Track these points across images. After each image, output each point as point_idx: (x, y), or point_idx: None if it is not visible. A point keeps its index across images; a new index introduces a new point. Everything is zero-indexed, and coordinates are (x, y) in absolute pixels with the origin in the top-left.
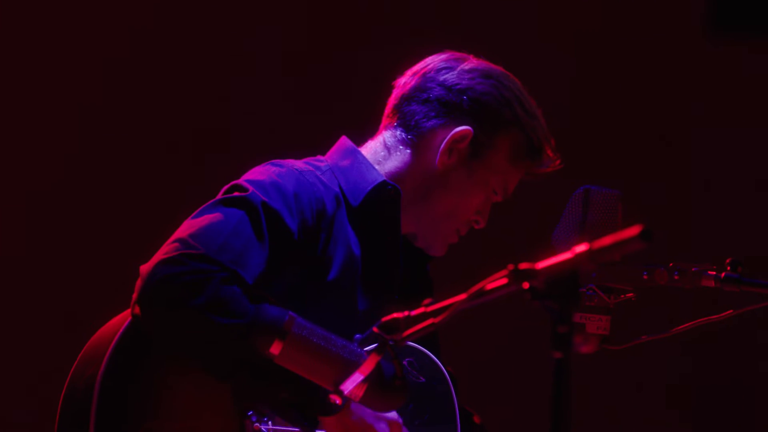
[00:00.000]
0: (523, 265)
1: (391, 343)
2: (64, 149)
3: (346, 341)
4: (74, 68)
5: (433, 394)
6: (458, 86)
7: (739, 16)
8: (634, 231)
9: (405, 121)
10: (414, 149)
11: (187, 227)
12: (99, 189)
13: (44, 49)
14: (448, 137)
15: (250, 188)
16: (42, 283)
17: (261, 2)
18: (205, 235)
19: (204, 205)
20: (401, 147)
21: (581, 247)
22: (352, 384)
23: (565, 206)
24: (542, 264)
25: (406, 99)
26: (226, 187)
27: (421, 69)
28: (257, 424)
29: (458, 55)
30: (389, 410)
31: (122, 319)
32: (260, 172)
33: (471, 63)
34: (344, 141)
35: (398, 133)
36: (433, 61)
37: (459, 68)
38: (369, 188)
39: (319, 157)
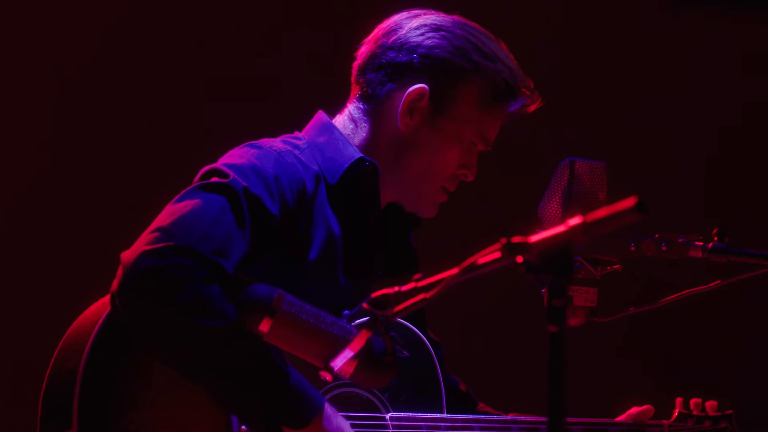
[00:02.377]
0: (516, 239)
1: (381, 318)
2: (40, 135)
3: (335, 318)
4: (60, 56)
5: (417, 368)
6: (407, 45)
7: None
8: (629, 203)
9: (363, 91)
10: (376, 118)
11: (168, 214)
12: (74, 174)
13: (37, 40)
14: (403, 98)
15: (231, 174)
16: (16, 270)
17: None
18: (186, 223)
19: (184, 191)
20: (365, 118)
21: (575, 220)
22: (342, 360)
23: (551, 178)
24: (536, 237)
25: (361, 69)
26: (203, 171)
27: (373, 36)
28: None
29: (411, 13)
30: (379, 386)
31: (101, 307)
32: (239, 155)
33: (420, 19)
34: (320, 116)
35: (360, 105)
36: (384, 25)
37: (407, 27)
38: (346, 165)
39: (297, 134)
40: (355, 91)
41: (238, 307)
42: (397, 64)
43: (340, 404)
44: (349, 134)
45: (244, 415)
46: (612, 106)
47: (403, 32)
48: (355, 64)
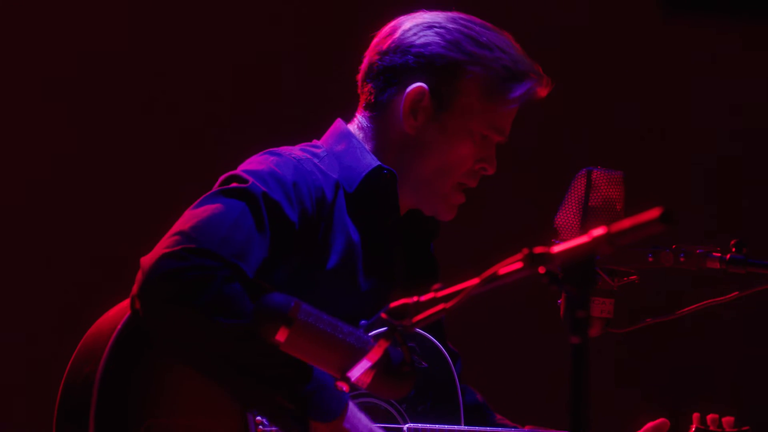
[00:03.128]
0: (538, 249)
1: (399, 328)
2: (64, 139)
3: (352, 327)
4: (72, 60)
5: (435, 379)
6: (401, 47)
7: None
8: (654, 213)
9: (368, 100)
10: (383, 124)
11: (188, 219)
12: (95, 179)
13: (43, 42)
14: (404, 100)
15: (250, 179)
16: (36, 273)
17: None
18: (206, 227)
19: (204, 196)
20: (371, 126)
21: (599, 231)
22: (359, 371)
23: (568, 188)
24: (558, 248)
25: (363, 79)
26: (223, 177)
27: (371, 44)
28: (262, 427)
29: (406, 16)
30: (397, 397)
31: (120, 312)
32: (258, 162)
33: (414, 20)
34: (339, 124)
35: (366, 113)
36: (380, 32)
37: (401, 30)
38: (364, 173)
39: (315, 142)
40: (361, 101)
41: (254, 317)
42: (393, 68)
43: None
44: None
45: (271, 411)
46: (623, 114)
47: (397, 35)
48: (359, 76)
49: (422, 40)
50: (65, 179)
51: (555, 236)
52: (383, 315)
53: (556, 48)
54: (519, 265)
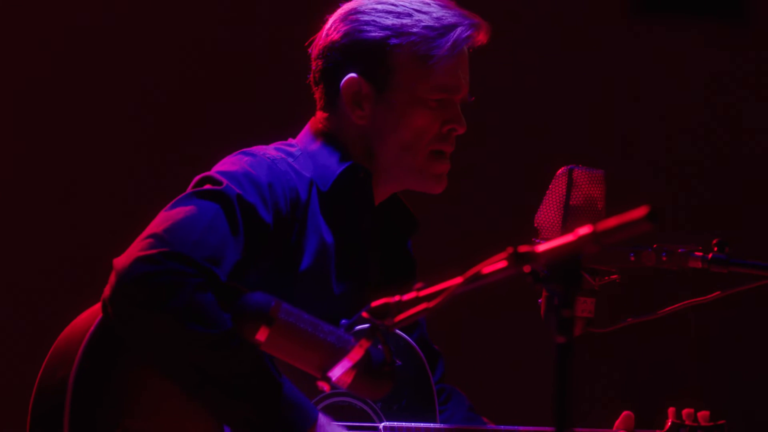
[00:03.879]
0: (523, 248)
1: (381, 328)
2: (37, 137)
3: (333, 327)
4: (47, 59)
5: (409, 377)
6: (326, 49)
7: None
8: (640, 212)
9: (319, 104)
10: (338, 125)
11: (161, 221)
12: (66, 180)
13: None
14: (343, 96)
15: (224, 181)
16: (8, 276)
17: None
18: (180, 230)
19: (178, 198)
20: (330, 127)
21: (584, 230)
22: (340, 371)
23: (548, 186)
24: (543, 247)
25: (313, 86)
26: (197, 179)
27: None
28: None
29: (330, 16)
30: (377, 397)
31: (93, 315)
32: (232, 163)
33: (332, 17)
34: (313, 123)
35: (323, 117)
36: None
37: (324, 32)
38: (338, 172)
39: (291, 141)
40: (317, 105)
41: (234, 316)
42: (326, 70)
43: (334, 414)
44: None
45: (235, 425)
46: (600, 114)
47: (321, 38)
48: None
49: (340, 34)
50: (37, 180)
51: (535, 235)
52: (365, 314)
53: (536, 45)
54: (503, 264)
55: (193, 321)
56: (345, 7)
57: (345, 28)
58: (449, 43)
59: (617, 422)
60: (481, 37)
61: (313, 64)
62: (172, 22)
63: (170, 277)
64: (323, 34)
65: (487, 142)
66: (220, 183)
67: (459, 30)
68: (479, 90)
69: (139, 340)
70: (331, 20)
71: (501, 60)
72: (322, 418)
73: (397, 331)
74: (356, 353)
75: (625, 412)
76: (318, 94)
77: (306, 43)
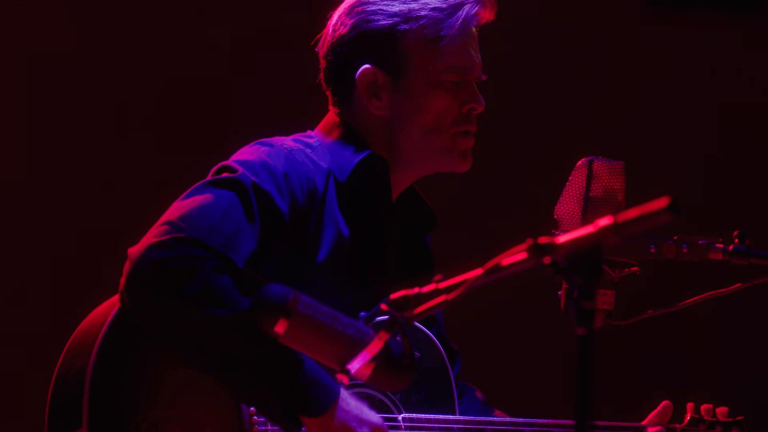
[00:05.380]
0: (543, 239)
1: (400, 320)
2: (53, 132)
3: (351, 319)
4: (63, 53)
5: (428, 370)
6: (335, 46)
7: None
8: (662, 203)
9: (333, 100)
10: (353, 117)
11: (176, 209)
12: (84, 173)
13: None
14: (358, 89)
15: (240, 169)
16: (25, 269)
17: None
18: (195, 217)
19: (193, 186)
20: (346, 120)
21: (605, 221)
22: (359, 363)
23: (568, 179)
24: (563, 238)
25: (324, 84)
26: (215, 168)
27: (319, 51)
28: (256, 417)
29: (335, 12)
30: (396, 389)
31: (111, 306)
32: (249, 152)
33: (337, 13)
34: (331, 115)
35: (338, 112)
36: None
37: (331, 29)
38: (355, 162)
39: (309, 132)
40: (330, 102)
41: (252, 308)
42: (337, 66)
43: None
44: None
45: (259, 404)
46: (622, 106)
47: (329, 36)
48: (319, 80)
49: (347, 28)
50: (55, 174)
51: (555, 227)
52: (383, 306)
53: (554, 39)
54: (523, 255)
55: (210, 304)
56: (348, 1)
57: (352, 21)
58: (459, 22)
59: (653, 413)
60: (488, 14)
61: (323, 62)
62: (193, 17)
63: (185, 262)
64: (330, 31)
65: (506, 133)
66: (235, 171)
67: (466, 8)
68: (499, 81)
69: (155, 326)
70: (336, 16)
71: (523, 52)
72: (344, 394)
73: (417, 324)
74: (375, 345)
75: (664, 402)
76: (330, 91)
77: (312, 43)
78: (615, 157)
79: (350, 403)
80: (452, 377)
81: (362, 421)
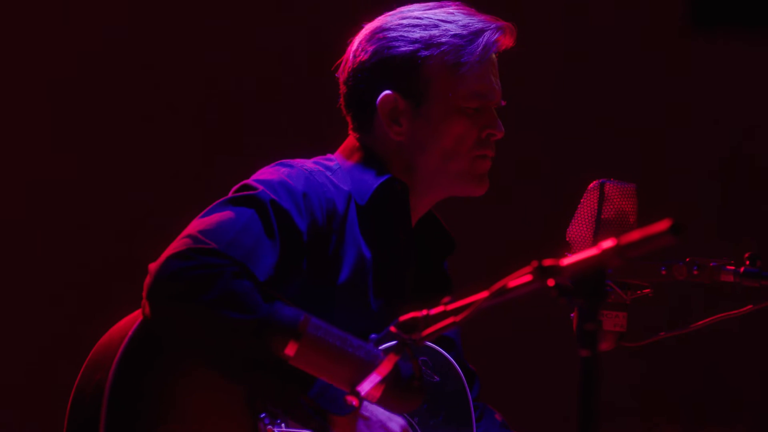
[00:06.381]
0: (547, 262)
1: (409, 342)
2: (75, 147)
3: (362, 341)
4: (82, 66)
5: (447, 393)
6: (357, 71)
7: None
8: (663, 225)
9: (353, 125)
10: (373, 142)
11: (196, 225)
12: (105, 189)
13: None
14: (379, 115)
15: (260, 187)
16: (48, 284)
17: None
18: (214, 231)
19: (213, 204)
20: (366, 145)
21: (608, 243)
22: (369, 385)
23: (580, 201)
24: (567, 260)
25: (344, 109)
26: (236, 187)
27: (339, 77)
28: (270, 427)
29: (355, 38)
30: (406, 411)
31: (131, 321)
32: (270, 172)
33: (358, 39)
34: (351, 139)
35: (357, 137)
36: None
37: (351, 55)
38: (375, 186)
39: (329, 155)
40: (350, 126)
41: (262, 330)
42: (358, 92)
43: None
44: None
45: (287, 406)
46: (636, 128)
47: (349, 63)
48: (339, 105)
49: (368, 54)
50: (75, 187)
51: (568, 250)
52: (393, 329)
53: (573, 58)
54: (528, 277)
55: (230, 309)
56: (369, 28)
57: (373, 47)
58: (479, 48)
59: None
60: (508, 40)
61: (343, 88)
62: (222, 41)
63: (205, 270)
64: (350, 57)
65: (520, 156)
66: (255, 189)
67: (487, 34)
68: (512, 103)
69: (178, 335)
70: (356, 42)
71: (543, 72)
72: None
73: (435, 347)
74: (384, 367)
75: None
76: (351, 116)
77: (332, 68)
78: (647, 179)
79: (372, 409)
80: (471, 401)
81: (390, 418)
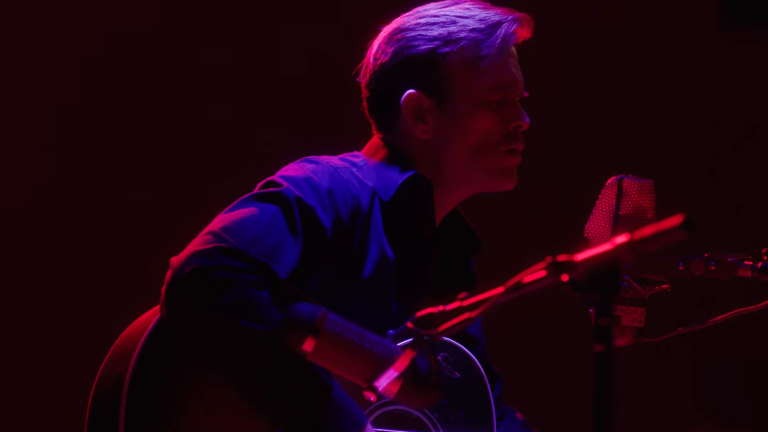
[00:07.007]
0: (562, 257)
1: (426, 338)
2: (76, 147)
3: (379, 337)
4: (105, 67)
5: (467, 389)
6: (379, 74)
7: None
8: (675, 221)
9: (377, 127)
10: (399, 140)
11: (220, 221)
12: (105, 189)
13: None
14: (403, 114)
15: (285, 184)
16: (72, 280)
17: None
18: (238, 228)
19: (238, 200)
20: (391, 144)
21: (621, 238)
22: (386, 380)
23: (598, 196)
24: (581, 256)
25: (369, 112)
26: (261, 183)
27: (361, 81)
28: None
29: (374, 41)
30: (424, 406)
31: (152, 315)
32: (295, 169)
33: (377, 42)
34: (376, 138)
35: (382, 137)
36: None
37: (372, 58)
38: (400, 182)
39: (355, 152)
40: (374, 128)
41: (281, 326)
42: (381, 94)
43: (390, 422)
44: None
45: (282, 424)
46: (659, 124)
47: (370, 66)
48: (363, 108)
49: (388, 56)
50: (98, 182)
51: (586, 245)
52: (409, 324)
53: (590, 54)
54: (542, 273)
55: (243, 317)
56: (386, 30)
57: (392, 48)
58: (498, 40)
59: None
60: (525, 32)
61: (365, 92)
62: (251, 45)
63: (224, 273)
64: (370, 60)
65: (539, 152)
66: (280, 185)
67: (505, 26)
68: (533, 98)
69: (190, 335)
70: (375, 45)
71: (566, 67)
72: (370, 428)
73: (457, 344)
74: (402, 363)
75: None
76: (374, 119)
77: (353, 73)
78: (648, 173)
79: None
80: (491, 397)
81: None
